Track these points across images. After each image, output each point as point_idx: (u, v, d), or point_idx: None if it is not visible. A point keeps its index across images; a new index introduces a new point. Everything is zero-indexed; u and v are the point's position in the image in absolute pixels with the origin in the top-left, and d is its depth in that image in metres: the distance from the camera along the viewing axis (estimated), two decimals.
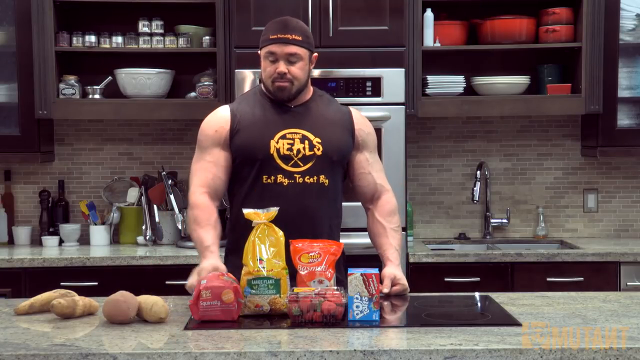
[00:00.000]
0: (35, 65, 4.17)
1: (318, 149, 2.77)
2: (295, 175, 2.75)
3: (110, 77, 4.29)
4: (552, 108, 4.33)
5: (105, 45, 4.27)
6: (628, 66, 4.39)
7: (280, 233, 2.47)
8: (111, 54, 4.32)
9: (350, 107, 2.96)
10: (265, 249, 2.43)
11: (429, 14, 4.29)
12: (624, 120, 4.40)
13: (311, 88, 2.90)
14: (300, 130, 2.78)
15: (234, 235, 2.83)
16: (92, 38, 4.25)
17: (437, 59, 4.44)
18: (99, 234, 4.36)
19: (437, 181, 4.66)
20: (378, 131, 3.94)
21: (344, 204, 2.95)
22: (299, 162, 2.76)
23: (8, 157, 4.31)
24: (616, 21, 4.29)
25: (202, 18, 4.38)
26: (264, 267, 2.39)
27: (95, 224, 4.38)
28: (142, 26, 4.28)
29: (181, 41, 4.28)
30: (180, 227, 4.24)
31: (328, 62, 3.99)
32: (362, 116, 2.96)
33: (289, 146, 2.75)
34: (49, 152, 4.48)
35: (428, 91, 4.31)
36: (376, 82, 3.99)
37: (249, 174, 2.77)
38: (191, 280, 2.56)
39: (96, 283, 3.91)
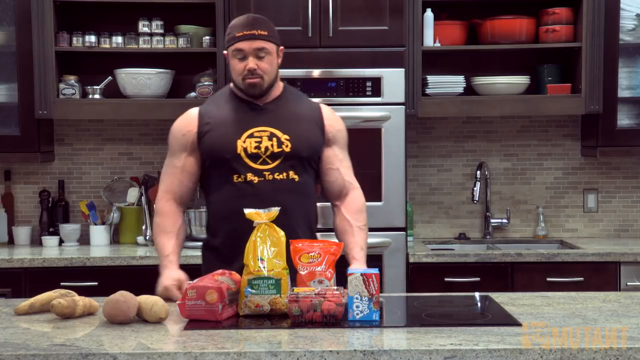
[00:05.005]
0: (35, 65, 4.17)
1: (287, 146, 2.77)
2: (264, 172, 2.75)
3: (110, 77, 4.29)
4: (552, 108, 4.33)
5: (105, 45, 4.27)
6: (628, 66, 4.40)
7: (282, 233, 2.47)
8: (111, 54, 4.32)
9: (321, 104, 2.95)
10: (266, 248, 2.43)
11: (429, 14, 4.29)
12: (624, 120, 4.41)
13: (281, 84, 2.89)
14: (269, 128, 2.79)
15: (210, 233, 2.89)
16: (92, 38, 4.25)
17: (437, 59, 4.44)
18: (99, 234, 4.36)
19: (437, 181, 4.66)
20: (378, 131, 3.98)
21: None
22: (268, 160, 2.76)
23: (8, 157, 4.31)
24: (616, 21, 4.29)
25: (202, 18, 4.38)
26: (264, 267, 2.39)
27: (95, 224, 4.38)
28: (142, 26, 4.28)
29: (181, 41, 4.28)
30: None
31: (328, 62, 3.99)
32: (332, 112, 2.95)
33: (257, 144, 2.76)
34: (49, 152, 4.48)
35: (428, 91, 4.31)
36: (376, 82, 3.99)
37: (220, 174, 2.79)
38: (159, 290, 2.68)
39: (96, 283, 3.91)
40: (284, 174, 2.77)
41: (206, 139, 2.79)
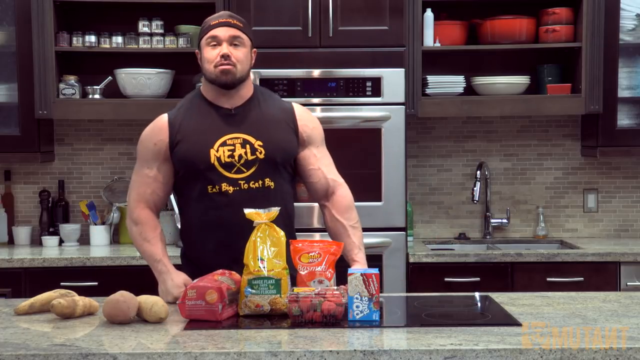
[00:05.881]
0: (35, 65, 4.17)
1: (260, 152, 2.70)
2: (239, 182, 2.69)
3: (110, 77, 4.30)
4: (552, 108, 4.33)
5: (105, 45, 4.27)
6: (628, 66, 4.40)
7: (282, 233, 2.47)
8: (111, 54, 4.32)
9: (293, 103, 2.88)
10: (266, 248, 2.43)
11: (429, 14, 4.29)
12: (624, 120, 4.41)
13: (251, 85, 2.83)
14: (241, 134, 2.72)
15: (184, 243, 2.86)
16: (92, 38, 4.25)
17: (437, 59, 4.44)
18: (99, 234, 4.36)
19: (437, 181, 4.66)
20: (378, 131, 3.98)
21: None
22: (242, 168, 2.70)
23: (8, 157, 4.31)
24: (616, 21, 4.30)
25: (202, 18, 4.30)
26: (264, 267, 2.39)
27: (95, 224, 4.38)
28: (142, 26, 4.28)
29: (181, 41, 4.28)
30: (180, 227, 4.23)
31: (328, 62, 3.99)
32: (305, 111, 2.88)
33: (230, 153, 2.69)
34: (49, 152, 4.49)
35: (428, 91, 4.31)
36: (376, 82, 3.99)
37: (194, 185, 2.72)
38: (168, 299, 2.62)
39: (96, 283, 3.91)
40: (259, 182, 2.70)
41: (178, 149, 2.71)
